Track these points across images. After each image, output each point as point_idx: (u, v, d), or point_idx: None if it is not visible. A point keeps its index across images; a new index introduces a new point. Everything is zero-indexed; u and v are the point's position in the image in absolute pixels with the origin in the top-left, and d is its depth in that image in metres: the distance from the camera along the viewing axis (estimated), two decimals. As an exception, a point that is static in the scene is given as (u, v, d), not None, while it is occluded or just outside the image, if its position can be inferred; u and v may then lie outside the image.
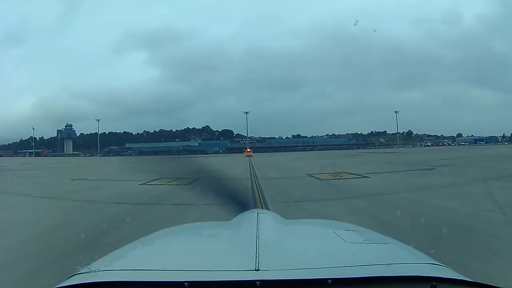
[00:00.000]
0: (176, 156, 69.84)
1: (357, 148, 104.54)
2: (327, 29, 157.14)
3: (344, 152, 60.86)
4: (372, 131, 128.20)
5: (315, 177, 15.47)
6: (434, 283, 1.07)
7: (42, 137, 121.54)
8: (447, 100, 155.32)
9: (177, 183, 13.93)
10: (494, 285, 1.13)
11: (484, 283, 1.14)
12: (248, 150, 65.26)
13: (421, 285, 1.09)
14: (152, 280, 1.11)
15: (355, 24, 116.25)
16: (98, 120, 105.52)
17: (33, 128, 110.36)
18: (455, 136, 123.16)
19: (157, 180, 14.93)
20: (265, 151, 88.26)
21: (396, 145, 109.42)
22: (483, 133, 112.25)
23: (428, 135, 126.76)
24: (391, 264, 1.26)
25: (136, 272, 1.22)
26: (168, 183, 14.05)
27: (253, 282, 1.07)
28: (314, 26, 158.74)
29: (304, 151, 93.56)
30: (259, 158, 43.84)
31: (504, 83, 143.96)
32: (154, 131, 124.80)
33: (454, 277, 1.21)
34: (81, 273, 1.25)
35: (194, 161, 29.26)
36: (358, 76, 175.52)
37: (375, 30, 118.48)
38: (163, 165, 32.15)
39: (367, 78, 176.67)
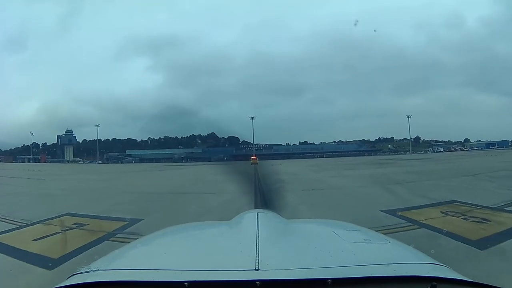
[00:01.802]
0: (172, 164, 59.98)
1: (368, 155, 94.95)
2: (330, 34, 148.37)
3: (364, 160, 50.69)
4: (379, 137, 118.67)
5: (429, 227, 6.02)
6: (434, 283, 1.04)
7: (45, 142, 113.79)
8: (452, 105, 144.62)
9: (43, 247, 5.67)
10: (494, 285, 1.09)
11: (484, 283, 1.10)
12: (253, 157, 56.80)
13: (421, 285, 1.07)
14: (152, 280, 1.08)
15: (355, 24, 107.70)
16: (98, 126, 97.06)
17: (32, 133, 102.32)
18: (463, 141, 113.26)
19: (41, 224, 7.19)
20: (273, 158, 79.73)
21: (409, 151, 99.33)
22: (490, 138, 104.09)
23: (436, 141, 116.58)
24: (391, 264, 1.22)
25: (136, 272, 1.18)
26: (36, 241, 6.03)
27: (253, 282, 1.04)
28: (317, 31, 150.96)
29: (314, 158, 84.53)
30: (268, 168, 33.71)
31: (509, 87, 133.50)
32: (159, 138, 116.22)
33: (454, 277, 1.17)
34: (81, 273, 1.21)
35: (180, 172, 19.89)
36: (363, 82, 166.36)
37: (375, 30, 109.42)
38: (131, 177, 23.00)
39: (372, 83, 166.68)
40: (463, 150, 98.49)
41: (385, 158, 58.60)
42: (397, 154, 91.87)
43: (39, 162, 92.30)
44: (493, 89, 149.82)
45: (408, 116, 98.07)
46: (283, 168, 32.74)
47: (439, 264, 1.32)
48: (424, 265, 1.30)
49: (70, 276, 1.21)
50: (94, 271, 1.20)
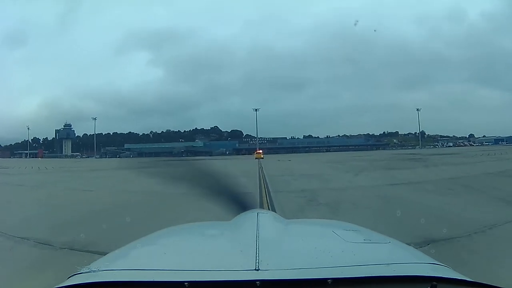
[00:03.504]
0: (165, 159, 51.87)
1: (376, 149, 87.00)
2: (334, 29, 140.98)
3: (382, 155, 42.72)
4: (384, 132, 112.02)
5: None
6: (434, 283, 1.00)
7: (47, 137, 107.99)
8: (456, 100, 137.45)
9: None
10: (494, 285, 1.04)
11: (484, 283, 1.05)
12: (259, 151, 49.29)
13: (421, 285, 1.02)
14: (152, 280, 1.04)
15: (355, 24, 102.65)
16: (95, 119, 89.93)
17: (28, 128, 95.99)
18: (467, 136, 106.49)
19: None
20: (277, 152, 73.21)
21: (418, 145, 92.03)
22: (495, 133, 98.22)
23: (441, 136, 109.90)
24: (391, 264, 1.17)
25: (136, 272, 1.14)
26: None
27: (253, 282, 1.00)
28: (321, 25, 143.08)
29: (320, 152, 77.23)
30: (276, 166, 25.72)
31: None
32: (162, 131, 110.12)
33: (454, 277, 1.12)
34: (81, 273, 1.16)
35: (148, 173, 12.21)
36: (366, 76, 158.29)
37: (375, 30, 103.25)
38: (78, 182, 15.50)
39: (375, 78, 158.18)
40: (473, 145, 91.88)
41: (403, 153, 50.39)
42: (407, 149, 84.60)
43: (36, 157, 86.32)
44: (497, 84, 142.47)
45: (417, 109, 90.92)
46: (295, 165, 24.94)
47: (439, 264, 1.25)
48: (424, 265, 1.24)
49: (70, 276, 1.15)
50: (94, 271, 1.14)
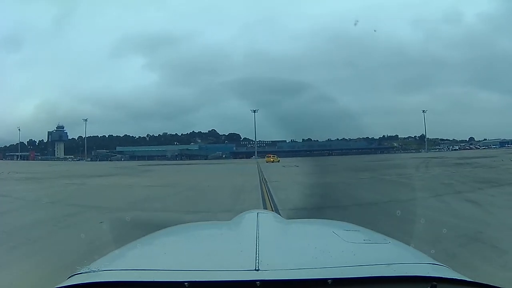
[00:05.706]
0: (152, 163, 43.67)
1: (380, 153, 79.21)
2: (333, 32, 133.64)
3: (402, 159, 34.06)
4: (384, 135, 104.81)
5: None
6: (434, 283, 0.98)
7: (42, 140, 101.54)
8: (455, 103, 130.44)
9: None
10: (494, 285, 1.02)
11: (484, 283, 1.03)
12: (269, 155, 41.09)
13: (421, 285, 1.00)
14: (152, 280, 1.02)
15: (355, 24, 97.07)
16: (85, 120, 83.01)
17: (19, 129, 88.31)
18: (468, 139, 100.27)
19: None
20: (277, 156, 64.19)
21: (424, 149, 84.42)
22: (496, 136, 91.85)
23: (441, 139, 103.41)
24: (391, 264, 1.15)
25: (136, 272, 1.11)
26: None
27: (253, 282, 0.97)
28: (319, 28, 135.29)
29: (323, 156, 70.07)
30: (288, 176, 17.31)
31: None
32: (159, 134, 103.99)
33: (454, 277, 1.10)
34: (81, 273, 1.14)
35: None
36: (365, 79, 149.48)
37: (375, 31, 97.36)
38: None
39: (374, 81, 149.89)
40: (478, 148, 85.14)
41: (424, 156, 41.64)
42: (412, 152, 77.10)
43: (27, 160, 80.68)
44: (497, 86, 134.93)
45: (423, 111, 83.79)
46: (317, 177, 16.29)
47: (439, 264, 1.23)
48: (424, 265, 1.21)
49: (70, 277, 1.12)
50: (94, 271, 1.11)
